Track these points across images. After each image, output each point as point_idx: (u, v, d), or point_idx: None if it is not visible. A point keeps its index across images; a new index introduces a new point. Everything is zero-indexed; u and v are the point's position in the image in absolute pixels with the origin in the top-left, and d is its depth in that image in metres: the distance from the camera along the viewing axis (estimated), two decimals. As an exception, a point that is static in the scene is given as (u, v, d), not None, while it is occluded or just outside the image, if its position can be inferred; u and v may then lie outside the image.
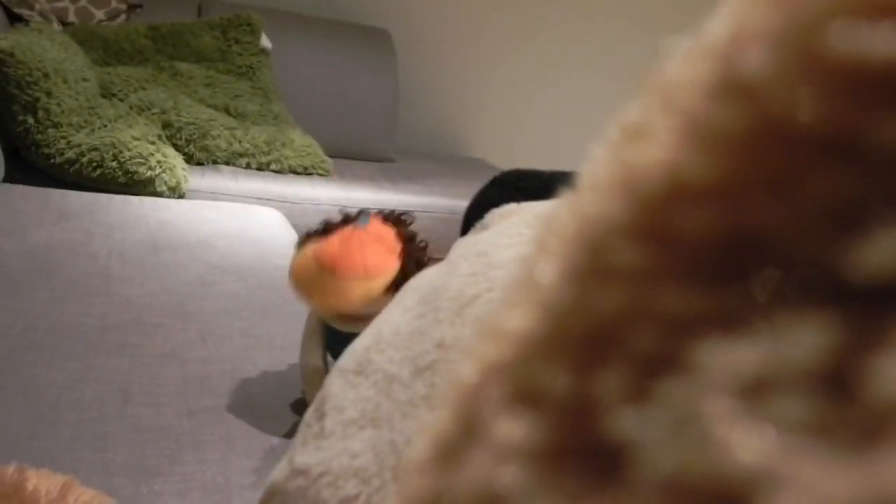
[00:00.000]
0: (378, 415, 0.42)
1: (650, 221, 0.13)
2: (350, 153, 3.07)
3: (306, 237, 1.04)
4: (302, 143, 2.62)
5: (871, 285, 0.11)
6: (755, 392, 0.11)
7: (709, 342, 0.12)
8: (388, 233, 1.02)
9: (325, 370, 1.10)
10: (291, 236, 1.85)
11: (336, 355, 1.13)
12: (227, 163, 2.47)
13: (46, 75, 2.10)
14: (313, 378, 1.09)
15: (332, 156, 2.76)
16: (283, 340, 1.29)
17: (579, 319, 0.14)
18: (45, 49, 2.16)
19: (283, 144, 2.56)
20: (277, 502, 0.44)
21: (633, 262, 0.13)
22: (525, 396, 0.14)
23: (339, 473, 0.41)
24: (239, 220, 1.93)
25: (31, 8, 2.67)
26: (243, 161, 2.49)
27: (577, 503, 0.12)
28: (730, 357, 0.12)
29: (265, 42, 2.92)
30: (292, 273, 1.01)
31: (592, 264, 0.14)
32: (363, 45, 3.25)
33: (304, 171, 2.57)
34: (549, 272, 0.15)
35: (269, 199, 2.31)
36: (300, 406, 1.11)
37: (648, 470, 0.12)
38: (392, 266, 0.99)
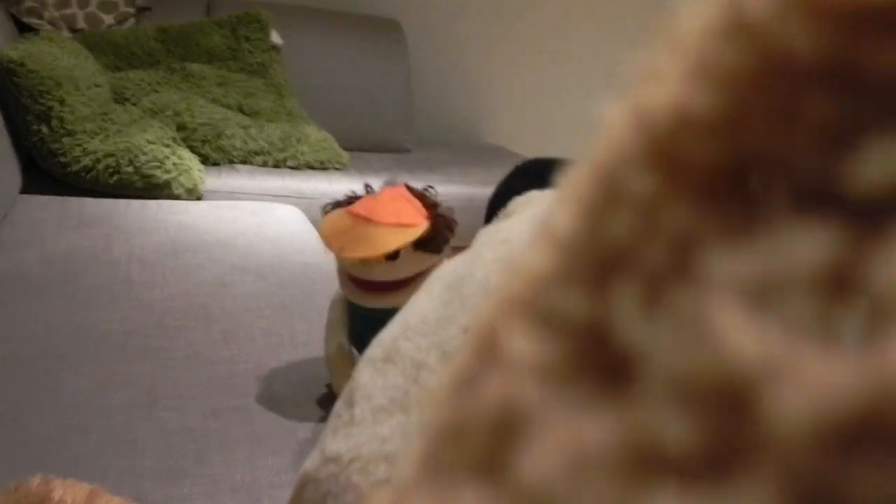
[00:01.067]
0: (407, 400, 0.42)
1: (659, 152, 0.14)
2: (366, 146, 3.06)
3: (333, 206, 1.05)
4: (317, 137, 2.61)
5: (867, 198, 0.12)
6: (758, 293, 0.12)
7: (714, 252, 0.12)
8: (415, 199, 1.05)
9: (351, 360, 1.10)
10: (310, 232, 1.85)
11: (361, 340, 1.13)
12: (243, 161, 2.47)
13: (58, 83, 2.10)
14: (339, 363, 1.09)
15: (347, 149, 2.76)
16: (305, 337, 1.29)
17: (592, 246, 0.14)
18: (56, 57, 2.16)
19: (299, 140, 2.56)
20: (310, 490, 0.44)
21: (643, 188, 0.14)
22: (541, 320, 0.15)
23: (369, 458, 0.41)
24: (257, 218, 1.93)
25: (41, 17, 2.67)
26: (259, 159, 2.49)
27: (591, 414, 0.13)
28: (733, 263, 0.12)
29: (275, 38, 2.92)
30: (323, 230, 1.02)
31: (605, 195, 0.15)
32: (374, 37, 3.24)
33: (321, 166, 2.56)
34: (564, 212, 0.16)
35: (286, 196, 2.31)
36: (326, 401, 1.11)
37: (657, 375, 0.12)
38: (423, 222, 1.01)
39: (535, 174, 0.77)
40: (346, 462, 0.43)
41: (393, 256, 1.02)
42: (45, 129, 2.09)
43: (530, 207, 0.59)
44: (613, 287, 0.14)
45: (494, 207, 0.71)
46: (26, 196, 1.91)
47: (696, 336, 0.12)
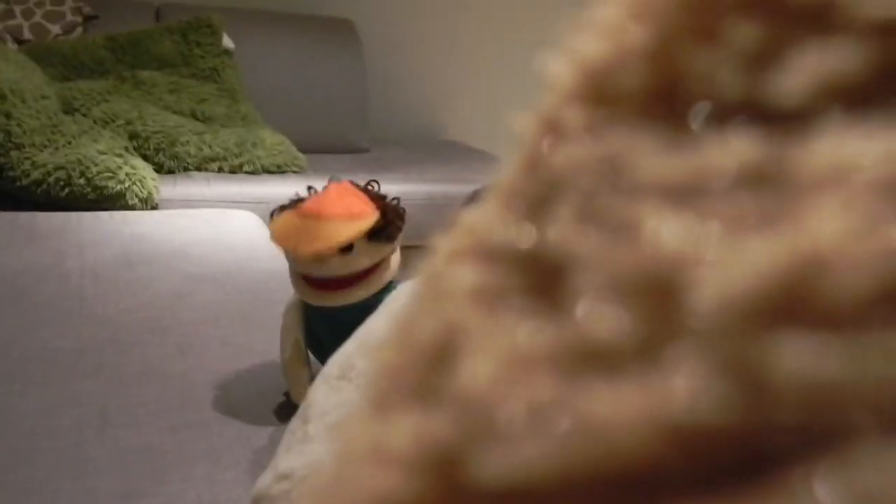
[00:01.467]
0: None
1: (593, 85, 0.15)
2: (323, 147, 3.03)
3: (280, 209, 1.05)
4: (273, 141, 2.58)
5: (786, 108, 0.12)
6: (682, 195, 0.12)
7: (643, 163, 0.13)
8: (361, 193, 1.05)
9: (307, 366, 1.09)
10: (268, 238, 1.82)
11: (318, 343, 1.11)
12: (198, 169, 2.43)
13: (3, 96, 2.06)
14: (295, 368, 1.08)
15: (305, 151, 2.73)
16: (263, 345, 1.26)
17: (529, 181, 0.15)
18: (1, 70, 2.11)
19: (255, 145, 2.52)
20: None
21: (577, 118, 0.15)
22: (479, 256, 0.15)
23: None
24: (213, 225, 1.90)
25: (-15, 29, 2.62)
26: (215, 165, 2.45)
27: (526, 322, 0.13)
28: (660, 170, 0.13)
29: (227, 42, 2.88)
30: (274, 232, 1.02)
31: (541, 132, 0.16)
32: (327, 37, 3.21)
33: (278, 170, 2.53)
34: (508, 167, 0.16)
35: (244, 202, 2.28)
36: (284, 410, 1.08)
37: (590, 278, 0.13)
38: (373, 212, 1.01)
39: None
40: (298, 479, 0.43)
41: (347, 249, 1.00)
42: (-9, 144, 2.05)
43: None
44: (548, 212, 0.14)
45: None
46: (-26, 213, 1.87)
47: (624, 238, 0.13)
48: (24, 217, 1.86)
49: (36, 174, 2.05)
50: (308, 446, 0.44)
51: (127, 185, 2.08)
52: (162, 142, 2.40)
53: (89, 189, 2.06)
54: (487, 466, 0.12)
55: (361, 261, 1.02)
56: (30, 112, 2.12)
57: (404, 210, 1.07)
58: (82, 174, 2.06)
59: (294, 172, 2.57)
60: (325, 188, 1.04)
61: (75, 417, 1.03)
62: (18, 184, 2.05)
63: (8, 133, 2.05)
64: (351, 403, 0.44)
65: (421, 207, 2.57)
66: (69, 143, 2.18)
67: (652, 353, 0.11)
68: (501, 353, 0.13)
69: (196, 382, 1.14)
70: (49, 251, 1.64)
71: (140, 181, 2.11)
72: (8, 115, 2.06)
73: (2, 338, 1.24)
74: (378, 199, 1.04)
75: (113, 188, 2.06)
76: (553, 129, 0.15)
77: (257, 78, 3.01)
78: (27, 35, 2.72)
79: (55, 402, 1.06)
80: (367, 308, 0.98)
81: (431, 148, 3.34)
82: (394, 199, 1.07)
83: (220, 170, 2.46)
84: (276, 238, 1.02)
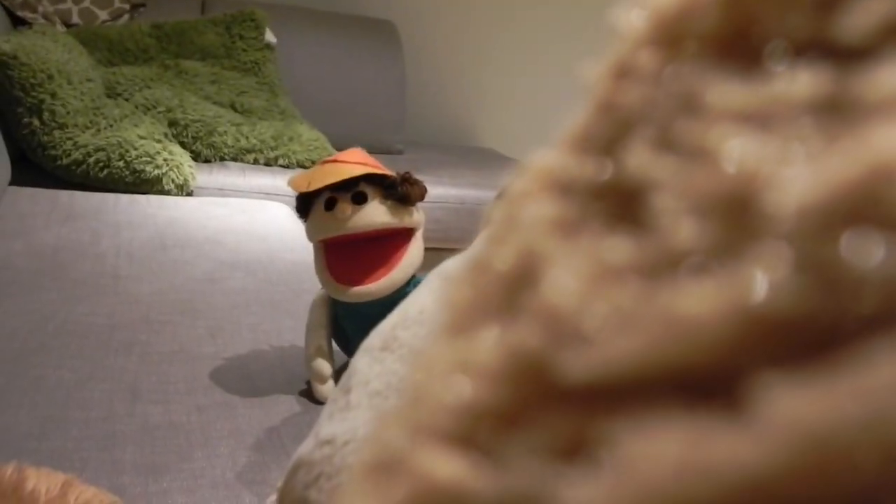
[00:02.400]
0: (404, 385, 0.42)
1: (667, 30, 0.16)
2: (358, 146, 3.05)
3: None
4: (309, 137, 2.61)
5: (852, 45, 0.13)
6: (756, 121, 0.13)
7: (717, 92, 0.14)
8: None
9: (330, 359, 1.10)
10: (300, 230, 1.85)
11: (346, 337, 1.13)
12: (234, 159, 2.46)
13: (50, 77, 2.10)
14: (318, 367, 1.10)
15: (339, 149, 2.75)
16: (291, 334, 1.28)
17: (605, 119, 0.16)
18: (49, 51, 2.15)
19: (291, 139, 2.55)
20: (303, 473, 0.45)
21: (652, 60, 0.16)
22: (555, 190, 0.16)
23: (364, 441, 0.41)
24: (247, 215, 1.92)
25: (35, 10, 2.67)
26: (251, 157, 2.48)
27: (607, 240, 0.14)
28: (734, 98, 0.14)
29: (269, 37, 2.91)
30: (291, 179, 1.07)
31: (613, 76, 0.17)
32: (368, 38, 3.23)
33: (313, 165, 2.55)
34: (581, 112, 0.18)
35: (277, 195, 2.31)
36: (307, 397, 1.10)
37: (669, 198, 0.14)
38: (383, 168, 1.07)
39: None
40: (340, 444, 0.43)
41: (361, 200, 1.03)
42: (36, 122, 2.09)
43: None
44: (624, 146, 0.15)
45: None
46: (15, 188, 1.90)
47: (702, 160, 0.13)
48: (64, 196, 1.89)
49: (77, 154, 2.09)
50: (350, 413, 0.45)
51: (164, 170, 2.11)
52: (200, 130, 2.43)
53: (127, 172, 2.09)
54: (575, 367, 0.13)
55: (376, 214, 1.04)
56: (74, 93, 2.16)
57: (424, 188, 1.09)
58: (121, 157, 2.09)
59: (328, 169, 2.59)
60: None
61: (106, 391, 1.06)
62: (59, 163, 2.09)
63: (52, 112, 2.09)
64: (393, 373, 0.46)
65: (452, 211, 2.59)
66: (111, 126, 2.21)
67: (732, 256, 0.12)
68: (584, 267, 0.14)
69: (224, 365, 1.17)
70: (86, 230, 1.67)
71: (177, 167, 2.14)
72: (53, 95, 2.10)
73: (39, 311, 1.27)
74: (399, 171, 1.09)
75: (150, 173, 2.10)
76: (625, 72, 0.17)
77: (297, 74, 3.05)
78: (75, 19, 2.76)
79: (88, 374, 1.09)
80: (392, 304, 1.00)
81: (465, 153, 3.35)
82: (418, 178, 1.10)
83: (256, 161, 2.49)
84: (293, 182, 1.06)
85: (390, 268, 1.07)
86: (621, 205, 0.15)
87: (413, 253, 1.09)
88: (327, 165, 1.06)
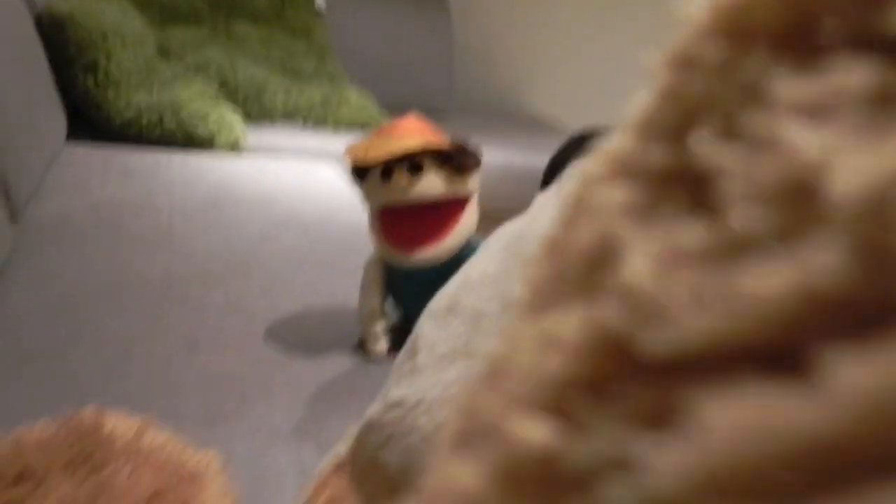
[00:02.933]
0: (469, 347, 0.43)
1: (730, 22, 0.16)
2: (405, 110, 3.05)
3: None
4: (358, 101, 2.62)
5: None
6: (818, 111, 0.14)
7: (781, 84, 0.15)
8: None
9: (383, 318, 1.12)
10: (350, 192, 1.86)
11: (401, 297, 1.15)
12: (283, 120, 2.48)
13: (105, 37, 2.12)
14: (371, 325, 1.11)
15: (387, 112, 2.76)
16: (344, 293, 1.30)
17: (671, 108, 0.17)
18: (103, 12, 2.17)
19: (340, 102, 2.56)
20: (373, 435, 0.45)
21: (717, 51, 0.16)
22: (625, 176, 0.17)
23: (433, 401, 0.42)
24: (298, 176, 1.94)
25: (89, -30, 2.69)
26: (300, 119, 2.50)
27: (679, 225, 0.15)
28: (797, 89, 0.15)
29: (320, 1, 2.92)
30: (349, 147, 1.08)
31: (676, 66, 0.17)
32: (417, 2, 3.22)
33: (360, 128, 2.57)
34: (645, 98, 0.18)
35: (326, 157, 2.32)
36: (359, 355, 1.12)
37: (736, 185, 0.14)
38: (441, 138, 1.08)
39: (590, 141, 0.78)
40: (410, 405, 0.44)
41: (417, 170, 1.04)
42: (90, 82, 2.11)
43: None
44: (690, 135, 0.16)
45: (550, 174, 0.72)
46: (72, 145, 1.93)
47: (766, 149, 0.14)
48: (118, 153, 1.92)
49: (130, 114, 2.12)
50: (418, 376, 0.46)
51: (215, 129, 2.13)
52: (251, 91, 2.45)
53: (179, 132, 2.11)
54: (655, 343, 0.14)
55: (432, 185, 1.05)
56: (128, 54, 2.18)
57: (480, 157, 1.10)
58: (174, 116, 2.12)
59: (376, 132, 2.60)
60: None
61: (165, 343, 1.08)
62: (113, 122, 2.12)
63: (107, 73, 2.11)
64: (458, 336, 0.46)
65: (497, 176, 2.59)
66: (163, 86, 2.23)
67: (796, 240, 0.13)
68: (658, 250, 0.15)
69: (279, 321, 1.19)
70: (141, 187, 1.69)
71: (228, 127, 2.16)
72: (108, 56, 2.12)
73: (98, 264, 1.29)
74: (455, 139, 1.09)
75: (202, 132, 2.12)
76: (689, 62, 0.17)
77: (346, 38, 3.05)
78: (128, -21, 2.78)
79: (148, 326, 1.12)
80: (447, 267, 1.01)
81: (513, 120, 3.34)
82: (474, 144, 1.11)
83: (305, 123, 2.50)
84: (350, 152, 1.07)
85: (445, 234, 1.08)
86: (689, 190, 0.16)
87: (468, 219, 1.10)
88: (384, 136, 1.07)
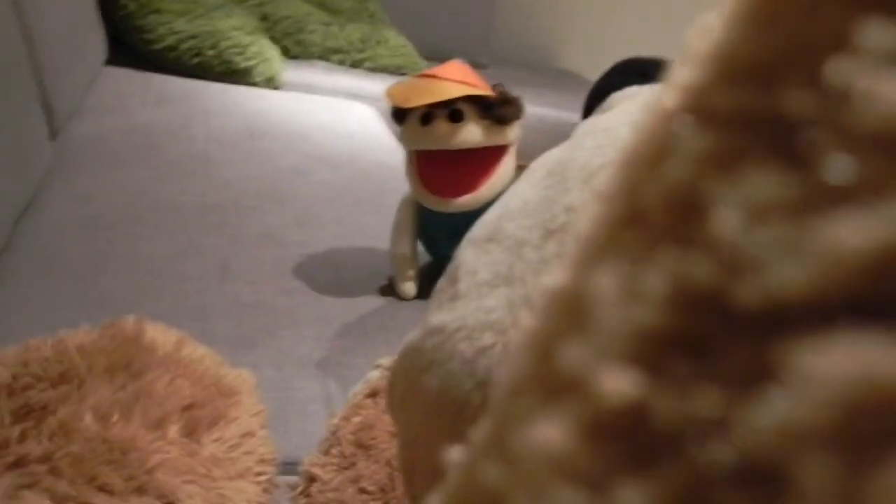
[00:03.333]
0: (511, 274, 0.43)
1: None
2: (443, 56, 3.01)
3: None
4: (396, 42, 2.60)
5: None
6: None
7: (869, 33, 0.14)
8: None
9: (414, 259, 1.12)
10: (385, 132, 1.86)
11: (432, 241, 1.15)
12: (321, 58, 2.47)
13: (149, -39, 2.12)
14: (402, 265, 1.12)
15: (425, 58, 2.74)
16: (375, 230, 1.30)
17: (755, 43, 0.16)
18: (149, -65, 2.17)
19: (378, 43, 2.55)
20: (413, 359, 0.46)
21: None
22: (705, 120, 0.16)
23: (474, 327, 0.42)
24: (333, 113, 1.94)
25: None
26: (337, 57, 2.49)
27: (766, 175, 0.15)
28: (881, 36, 0.14)
29: (363, -61, 2.89)
30: (389, 89, 1.08)
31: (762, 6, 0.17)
32: (461, -52, 3.19)
33: (398, 71, 2.55)
34: (714, 30, 0.17)
35: (361, 97, 2.31)
36: (388, 292, 1.13)
37: (824, 135, 0.14)
38: (486, 88, 1.07)
39: (634, 71, 0.76)
40: (450, 331, 0.44)
41: (458, 118, 1.03)
42: (132, 6, 2.11)
43: (631, 101, 0.59)
44: (778, 78, 0.15)
45: (592, 103, 0.71)
46: (111, 68, 1.94)
47: (855, 97, 0.14)
48: (157, 79, 1.93)
49: (170, 40, 2.11)
50: (459, 302, 0.46)
51: (253, 63, 2.13)
52: (290, 27, 2.44)
53: (218, 62, 2.11)
54: (748, 295, 0.14)
55: (472, 133, 1.05)
56: (171, -21, 2.18)
57: (521, 107, 1.10)
58: (213, 46, 2.11)
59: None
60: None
61: (198, 267, 1.09)
62: (153, 47, 2.11)
63: (149, -3, 2.11)
64: (501, 262, 0.46)
65: (532, 129, 2.57)
66: (204, 14, 2.22)
67: (881, 191, 0.13)
68: (749, 202, 0.15)
69: (310, 254, 1.19)
70: (178, 114, 1.70)
71: (266, 61, 2.16)
72: (150, -21, 2.12)
73: (133, 186, 1.30)
74: (496, 86, 1.09)
75: (240, 64, 2.12)
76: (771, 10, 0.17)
77: (387, -22, 3.03)
78: None
79: (180, 250, 1.13)
80: (482, 214, 1.01)
81: (549, 74, 3.32)
82: (517, 95, 1.10)
83: (343, 62, 2.49)
84: (390, 94, 1.06)
85: (482, 183, 1.08)
86: (775, 138, 0.15)
87: (505, 169, 1.10)
88: (426, 80, 1.06)
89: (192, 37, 2.11)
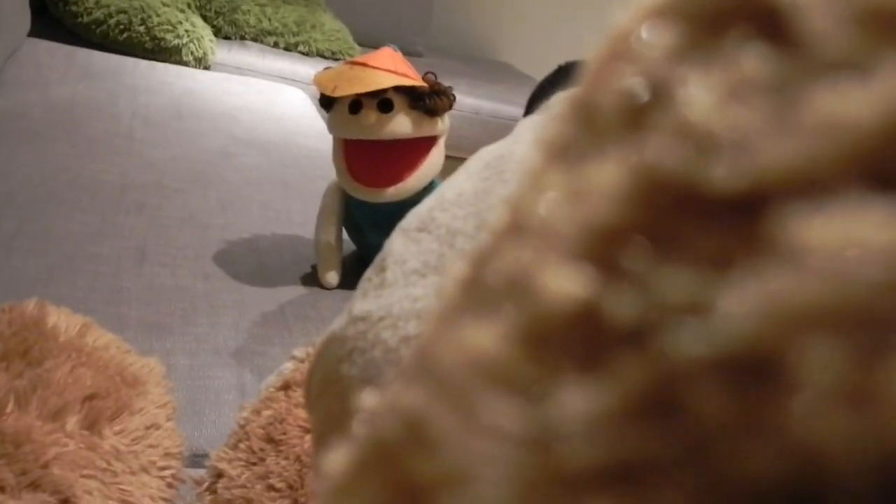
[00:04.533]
0: (442, 263, 0.43)
1: None
2: (379, 43, 2.99)
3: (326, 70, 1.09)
4: (332, 27, 2.57)
5: None
6: None
7: None
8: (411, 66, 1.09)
9: (339, 248, 1.11)
10: (316, 118, 1.84)
11: (358, 229, 1.13)
12: (254, 39, 2.43)
13: (79, -70, 2.05)
14: (326, 254, 1.10)
15: (360, 44, 2.72)
16: (301, 217, 1.29)
17: None
18: None
19: (313, 27, 2.52)
20: (335, 347, 0.45)
21: None
22: (677, 13, 0.15)
23: (399, 315, 0.41)
24: (264, 96, 1.91)
25: None
26: (271, 39, 2.45)
27: (741, 56, 0.14)
28: None
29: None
30: (318, 76, 1.06)
31: None
32: (401, -66, 3.17)
33: (332, 56, 2.53)
34: None
35: (294, 80, 2.28)
36: (311, 280, 1.11)
37: (811, 16, 0.13)
38: (417, 78, 1.04)
39: (575, 73, 0.76)
40: (374, 320, 0.43)
41: (386, 107, 1.02)
42: (59, -24, 2.05)
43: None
44: None
45: (534, 102, 0.71)
46: (34, 40, 1.88)
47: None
48: (82, 53, 1.87)
49: (98, 13, 2.06)
50: (384, 291, 0.45)
51: (184, 41, 2.09)
52: (224, 6, 2.39)
53: (147, 38, 2.06)
54: (726, 176, 0.13)
55: (401, 124, 1.03)
56: (101, -49, 2.12)
57: (454, 96, 1.08)
58: (143, 22, 2.06)
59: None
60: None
61: (115, 248, 1.06)
62: (80, 20, 2.06)
63: (77, -32, 2.05)
64: (431, 252, 0.45)
65: (466, 120, 2.57)
66: (135, -11, 2.18)
67: (873, 61, 0.13)
68: (723, 82, 0.14)
69: (233, 238, 1.17)
70: (102, 90, 1.65)
71: (197, 40, 2.11)
72: (80, -50, 2.06)
73: (52, 162, 1.26)
74: (428, 78, 1.06)
75: (170, 42, 2.07)
76: None
77: (326, -38, 2.99)
78: None
79: (97, 230, 1.09)
80: (408, 205, 0.99)
81: (484, 66, 3.32)
82: (448, 86, 1.08)
83: (276, 45, 2.45)
84: (319, 81, 1.04)
85: (410, 173, 1.06)
86: (753, 24, 0.14)
87: (433, 160, 1.09)
88: (356, 68, 1.04)
89: (122, 11, 2.07)
